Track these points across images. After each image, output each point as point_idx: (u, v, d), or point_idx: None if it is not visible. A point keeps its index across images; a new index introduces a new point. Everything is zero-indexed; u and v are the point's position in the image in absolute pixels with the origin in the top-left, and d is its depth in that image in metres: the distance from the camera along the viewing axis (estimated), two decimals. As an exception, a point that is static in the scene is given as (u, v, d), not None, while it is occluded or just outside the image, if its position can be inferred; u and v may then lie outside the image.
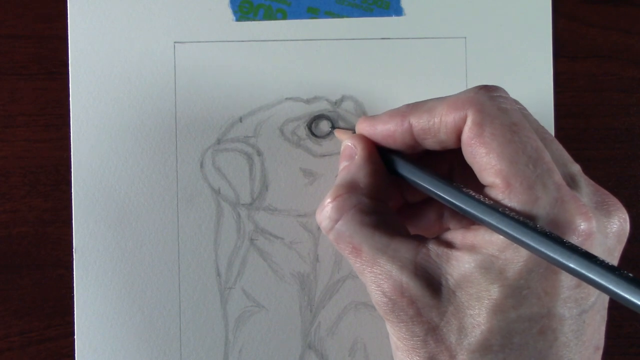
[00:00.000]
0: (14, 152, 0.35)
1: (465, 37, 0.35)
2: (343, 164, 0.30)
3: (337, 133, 0.33)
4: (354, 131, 0.31)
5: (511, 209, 0.24)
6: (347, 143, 0.30)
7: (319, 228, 0.29)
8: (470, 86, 0.35)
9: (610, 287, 0.21)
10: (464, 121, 0.26)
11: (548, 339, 0.25)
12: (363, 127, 0.30)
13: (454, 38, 0.35)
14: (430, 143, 0.27)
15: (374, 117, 0.29)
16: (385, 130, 0.29)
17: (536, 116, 0.28)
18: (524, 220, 0.23)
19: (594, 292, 0.25)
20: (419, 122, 0.27)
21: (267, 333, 0.35)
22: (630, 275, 0.21)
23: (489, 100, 0.26)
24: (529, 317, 0.24)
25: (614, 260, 0.26)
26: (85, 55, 0.34)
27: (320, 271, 0.35)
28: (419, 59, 0.35)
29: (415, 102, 0.28)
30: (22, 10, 0.35)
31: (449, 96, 0.27)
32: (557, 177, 0.25)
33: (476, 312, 0.25)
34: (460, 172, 0.27)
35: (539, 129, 0.27)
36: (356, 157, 0.29)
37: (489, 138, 0.25)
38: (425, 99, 0.28)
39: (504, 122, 0.25)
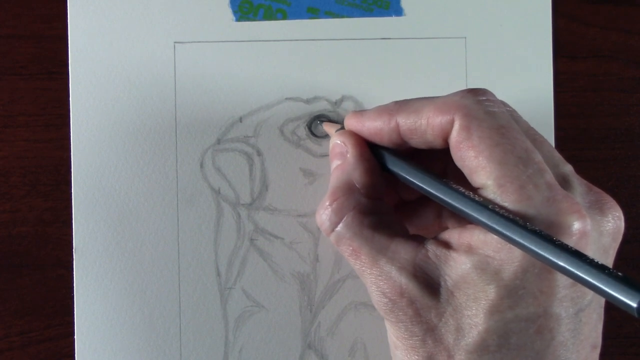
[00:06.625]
0: (14, 152, 0.35)
1: (465, 37, 0.35)
2: (335, 163, 0.30)
3: (326, 126, 0.33)
4: (342, 125, 0.31)
5: (502, 207, 0.24)
6: (336, 141, 0.30)
7: (319, 228, 0.29)
8: (470, 86, 0.35)
9: (600, 285, 0.21)
10: (451, 125, 0.26)
11: (545, 339, 0.25)
12: (351, 123, 0.30)
13: (454, 38, 0.35)
14: (417, 142, 0.28)
15: (362, 113, 0.29)
16: (372, 128, 0.29)
17: (536, 116, 0.28)
18: (514, 218, 0.23)
19: (590, 291, 0.25)
20: (405, 122, 0.27)
21: (267, 333, 0.35)
22: (620, 273, 0.21)
23: (476, 104, 0.26)
24: (525, 317, 0.24)
25: (610, 259, 0.26)
26: (85, 55, 0.34)
27: (320, 271, 0.35)
28: (419, 59, 0.35)
29: (404, 101, 0.28)
30: (22, 10, 0.35)
31: (437, 98, 0.27)
32: (549, 176, 0.25)
33: (473, 313, 0.25)
34: (454, 170, 0.27)
35: (529, 131, 0.27)
36: (348, 155, 0.29)
37: (477, 141, 0.25)
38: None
39: (491, 125, 0.25)
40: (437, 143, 0.27)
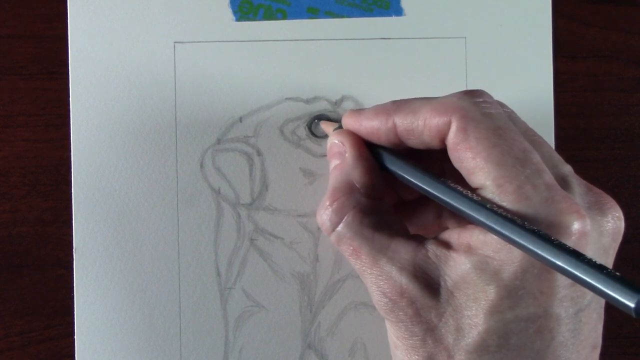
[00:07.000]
0: (14, 152, 0.35)
1: (465, 37, 0.35)
2: (334, 163, 0.30)
3: (324, 125, 0.33)
4: (339, 124, 0.31)
5: (500, 207, 0.24)
6: (333, 140, 0.30)
7: (319, 228, 0.29)
8: (470, 86, 0.35)
9: (598, 285, 0.21)
10: (448, 126, 0.26)
11: (545, 339, 0.25)
12: (349, 122, 0.30)
13: (454, 38, 0.35)
14: (414, 143, 0.28)
15: (360, 112, 0.29)
16: (370, 127, 0.29)
17: (536, 116, 0.28)
18: (512, 218, 0.23)
19: (590, 291, 0.25)
20: (403, 123, 0.27)
21: (267, 333, 0.35)
22: (618, 274, 0.21)
23: (473, 106, 0.26)
24: (525, 317, 0.25)
25: (610, 259, 0.26)
26: (85, 55, 0.34)
27: (320, 271, 0.35)
28: (419, 59, 0.35)
29: (401, 100, 0.28)
30: (22, 10, 0.35)
31: (434, 99, 0.27)
32: (548, 177, 0.25)
33: (473, 313, 0.25)
34: (452, 170, 0.27)
35: (527, 131, 0.27)
36: (347, 155, 0.29)
37: (475, 142, 0.25)
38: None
39: (488, 127, 0.25)
40: (434, 144, 0.27)
